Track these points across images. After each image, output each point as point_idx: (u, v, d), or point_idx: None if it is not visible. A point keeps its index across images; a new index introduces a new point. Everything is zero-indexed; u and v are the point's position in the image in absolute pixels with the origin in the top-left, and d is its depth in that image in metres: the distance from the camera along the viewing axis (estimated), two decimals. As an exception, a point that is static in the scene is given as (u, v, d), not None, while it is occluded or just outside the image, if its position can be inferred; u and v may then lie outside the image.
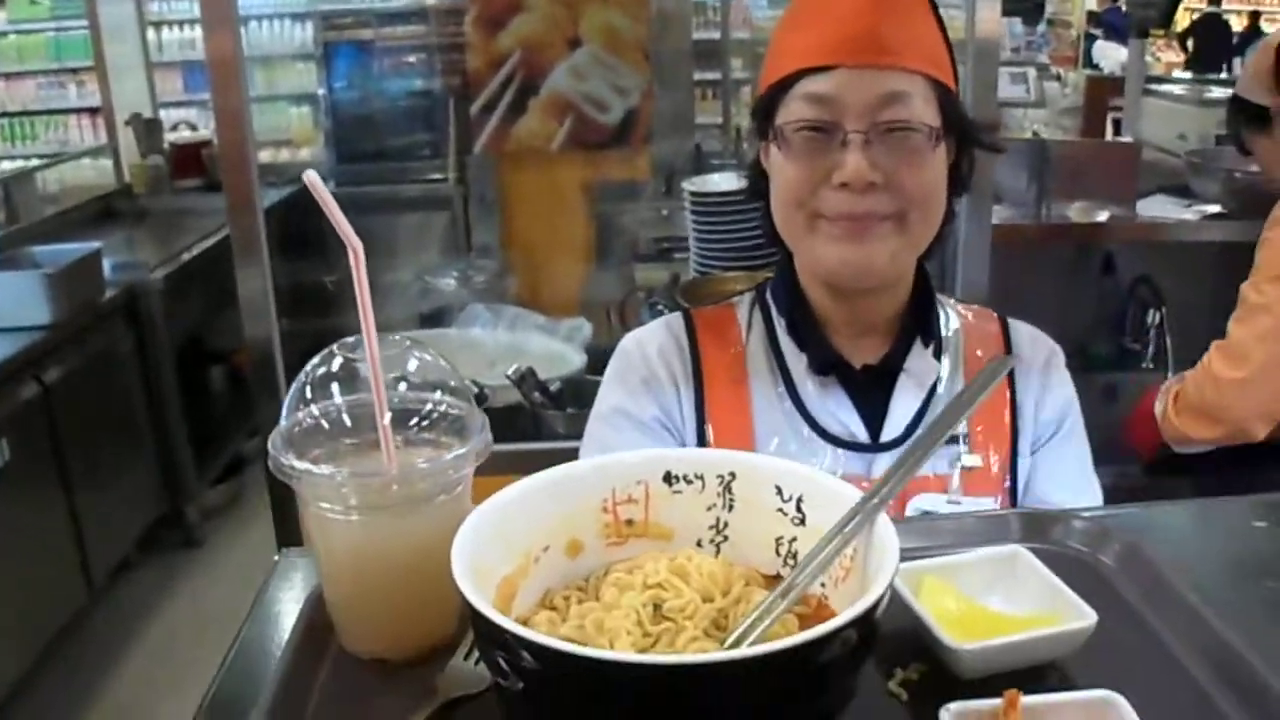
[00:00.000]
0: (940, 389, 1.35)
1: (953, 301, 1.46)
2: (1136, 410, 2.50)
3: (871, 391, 1.34)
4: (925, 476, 1.31)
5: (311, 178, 0.74)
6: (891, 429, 1.33)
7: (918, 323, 1.36)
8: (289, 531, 2.34)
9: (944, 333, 1.38)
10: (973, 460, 1.33)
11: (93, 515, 3.69)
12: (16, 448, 3.27)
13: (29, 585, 3.38)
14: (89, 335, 3.81)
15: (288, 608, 0.97)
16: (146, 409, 4.17)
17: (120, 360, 4.03)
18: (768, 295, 1.42)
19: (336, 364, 0.84)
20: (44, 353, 3.52)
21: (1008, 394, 1.37)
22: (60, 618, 3.58)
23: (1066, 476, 1.39)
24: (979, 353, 1.39)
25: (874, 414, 1.33)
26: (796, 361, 1.35)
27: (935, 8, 1.29)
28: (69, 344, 3.67)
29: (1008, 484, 1.35)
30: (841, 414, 1.33)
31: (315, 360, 0.85)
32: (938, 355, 1.36)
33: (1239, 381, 2.10)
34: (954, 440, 1.33)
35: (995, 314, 1.46)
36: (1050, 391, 1.40)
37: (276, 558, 1.06)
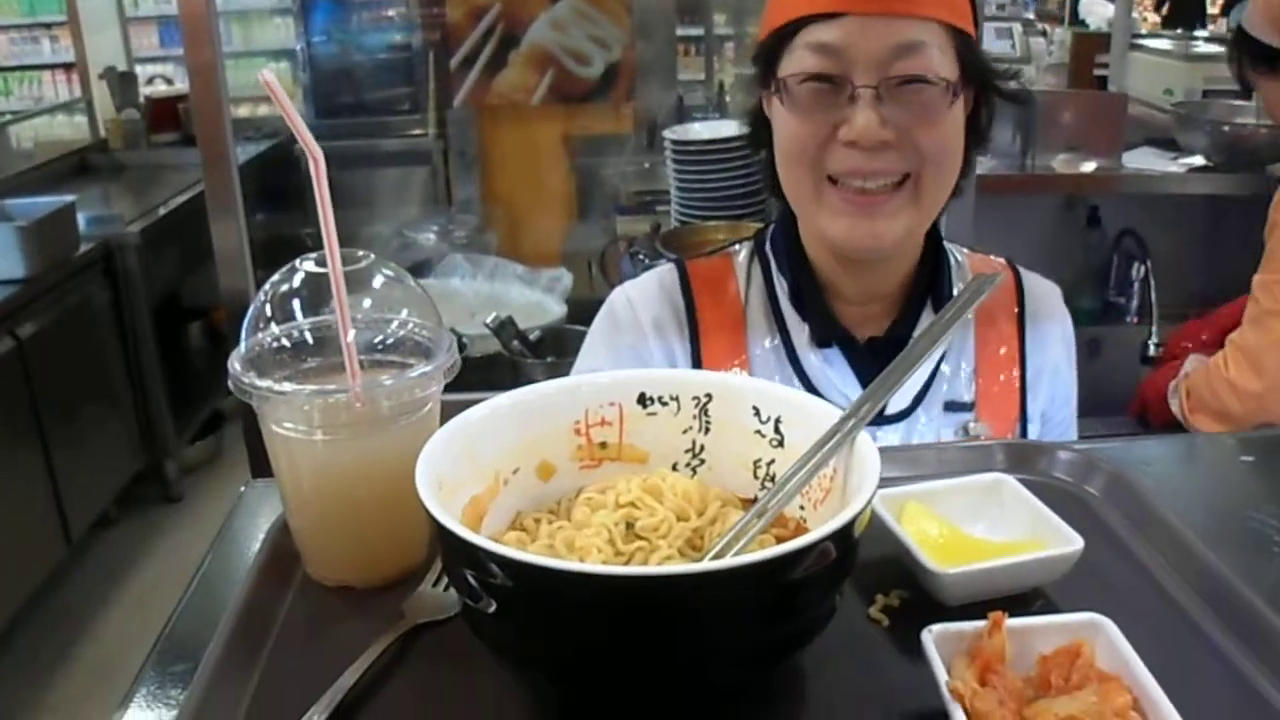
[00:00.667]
0: (949, 354, 1.30)
1: (962, 250, 1.38)
2: (1153, 377, 2.48)
3: (877, 363, 1.25)
4: (931, 443, 1.26)
5: (267, 77, 0.71)
6: (898, 401, 1.27)
7: (927, 288, 1.28)
8: (263, 471, 2.33)
9: (954, 282, 1.31)
10: (979, 429, 1.28)
11: (70, 471, 3.66)
12: (-9, 403, 3.24)
13: (6, 542, 3.35)
14: (64, 290, 3.76)
15: (252, 537, 0.94)
16: (124, 364, 4.13)
17: (96, 315, 3.98)
18: (767, 248, 1.34)
19: (298, 280, 0.81)
20: (18, 307, 3.47)
21: (1018, 352, 1.32)
22: (39, 574, 3.56)
23: (1066, 427, 1.37)
24: (990, 307, 1.33)
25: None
26: (798, 329, 1.29)
27: None
28: (44, 298, 3.62)
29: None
30: (844, 385, 1.27)
31: (276, 276, 0.82)
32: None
33: (1257, 394, 2.05)
34: (960, 407, 1.28)
35: (1006, 262, 1.39)
36: (1060, 350, 1.35)
37: (243, 488, 1.03)
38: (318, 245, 0.78)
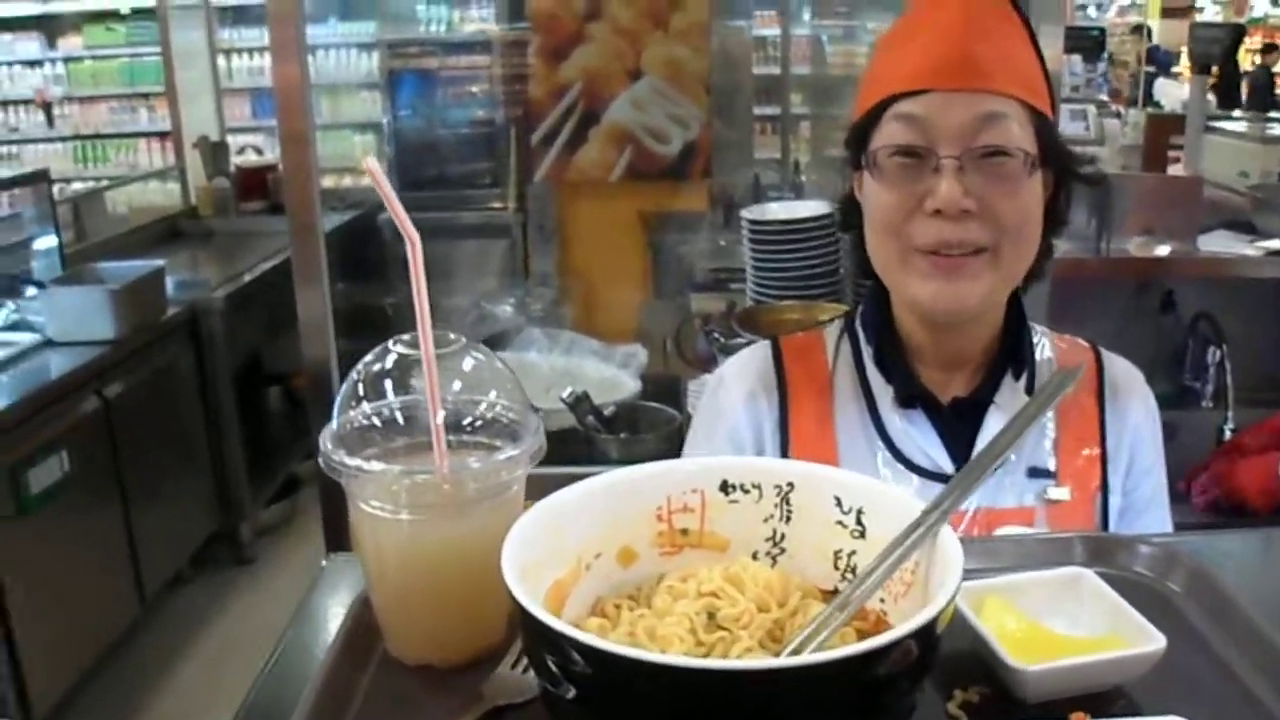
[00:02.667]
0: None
1: (1046, 330, 1.42)
2: (1247, 461, 2.45)
3: (959, 424, 1.31)
4: (1010, 508, 1.28)
5: (371, 164, 0.74)
6: None
7: (1010, 355, 1.32)
8: (339, 546, 2.36)
9: (1037, 364, 1.34)
10: (1059, 493, 1.30)
11: (148, 530, 3.73)
12: (76, 460, 3.32)
13: (83, 597, 3.42)
14: (150, 352, 3.86)
15: (333, 612, 0.96)
16: (204, 427, 4.22)
17: (180, 377, 4.08)
18: (857, 324, 1.38)
19: (390, 361, 0.83)
20: (106, 367, 3.57)
21: (1098, 426, 1.34)
22: (113, 630, 3.62)
23: (1154, 505, 1.37)
24: (1041, 386, 1.34)
25: (961, 447, 1.30)
26: (883, 392, 1.33)
27: (1033, 35, 1.25)
28: (131, 360, 3.73)
29: (1098, 520, 1.32)
30: (927, 446, 1.30)
31: (369, 357, 0.84)
32: (1029, 389, 1.32)
33: None
34: (1042, 474, 1.30)
35: (1089, 344, 1.42)
36: (1143, 425, 1.37)
37: (324, 562, 1.05)
38: (398, 315, 0.80)
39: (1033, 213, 1.22)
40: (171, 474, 4.01)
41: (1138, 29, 10.02)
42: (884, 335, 1.33)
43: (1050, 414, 1.32)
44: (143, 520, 3.70)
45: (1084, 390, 1.36)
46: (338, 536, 2.40)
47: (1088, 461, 1.33)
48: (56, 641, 3.24)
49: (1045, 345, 1.38)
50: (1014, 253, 1.21)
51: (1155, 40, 10.60)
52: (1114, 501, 1.33)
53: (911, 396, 1.31)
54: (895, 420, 1.31)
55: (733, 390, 1.39)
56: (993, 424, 1.30)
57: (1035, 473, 1.31)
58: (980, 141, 1.17)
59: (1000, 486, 1.30)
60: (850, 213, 1.33)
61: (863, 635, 0.74)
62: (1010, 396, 1.31)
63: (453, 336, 0.83)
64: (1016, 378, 1.32)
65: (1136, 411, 1.37)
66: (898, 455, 1.30)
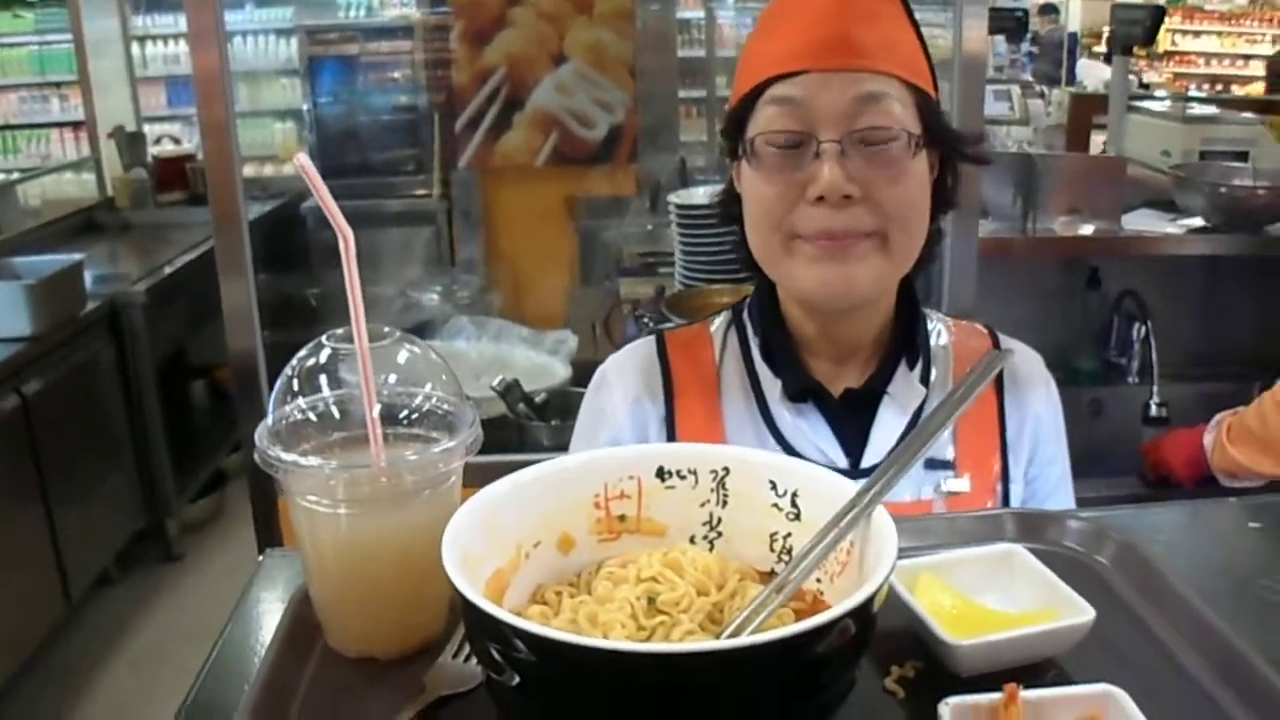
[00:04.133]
0: (927, 411, 1.28)
1: (940, 315, 1.40)
2: (1172, 435, 2.51)
3: (852, 417, 1.28)
4: (907, 501, 1.25)
5: (302, 160, 0.73)
6: (873, 454, 1.26)
7: (903, 344, 1.29)
8: (271, 543, 2.33)
9: (932, 351, 1.33)
10: (958, 484, 1.27)
11: (72, 529, 3.66)
12: (-5, 460, 3.24)
13: (7, 599, 3.35)
14: (70, 347, 3.78)
15: (272, 607, 0.95)
16: (127, 422, 4.15)
17: (101, 373, 4.00)
18: (744, 315, 1.36)
19: (324, 355, 0.83)
20: (24, 364, 3.50)
21: (996, 415, 1.32)
22: (39, 632, 3.55)
23: (1058, 492, 1.36)
24: (966, 363, 1.32)
25: (854, 440, 1.27)
26: (771, 386, 1.29)
27: (911, 15, 1.23)
28: (49, 356, 3.65)
29: (995, 509, 1.28)
30: (819, 440, 1.27)
31: (303, 352, 0.83)
32: (925, 378, 1.29)
33: None
34: (940, 465, 1.28)
35: (985, 328, 1.41)
36: (1044, 411, 1.35)
37: (261, 557, 1.04)
38: (322, 305, 0.80)
39: (919, 195, 1.19)
40: (95, 471, 3.94)
41: (1046, 9, 10.19)
42: (771, 327, 1.30)
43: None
44: (66, 519, 3.63)
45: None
46: (268, 531, 2.38)
47: (987, 451, 1.30)
48: (-20, 645, 3.18)
49: (941, 332, 1.36)
50: (902, 237, 1.18)
51: (1076, 22, 10.77)
52: (1015, 490, 1.31)
53: (802, 390, 1.28)
54: (785, 415, 1.28)
55: (615, 391, 1.35)
56: (887, 415, 1.27)
57: (933, 464, 1.28)
58: (861, 123, 1.14)
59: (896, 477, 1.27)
60: (730, 204, 1.29)
61: (800, 616, 0.75)
62: (905, 386, 1.28)
63: (386, 330, 0.83)
64: (910, 367, 1.29)
65: (1038, 399, 1.35)
66: (789, 450, 1.26)
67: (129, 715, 3.46)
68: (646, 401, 1.32)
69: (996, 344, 1.38)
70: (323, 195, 0.74)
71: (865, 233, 1.16)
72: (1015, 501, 1.31)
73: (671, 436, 1.31)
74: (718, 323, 1.38)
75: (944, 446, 1.29)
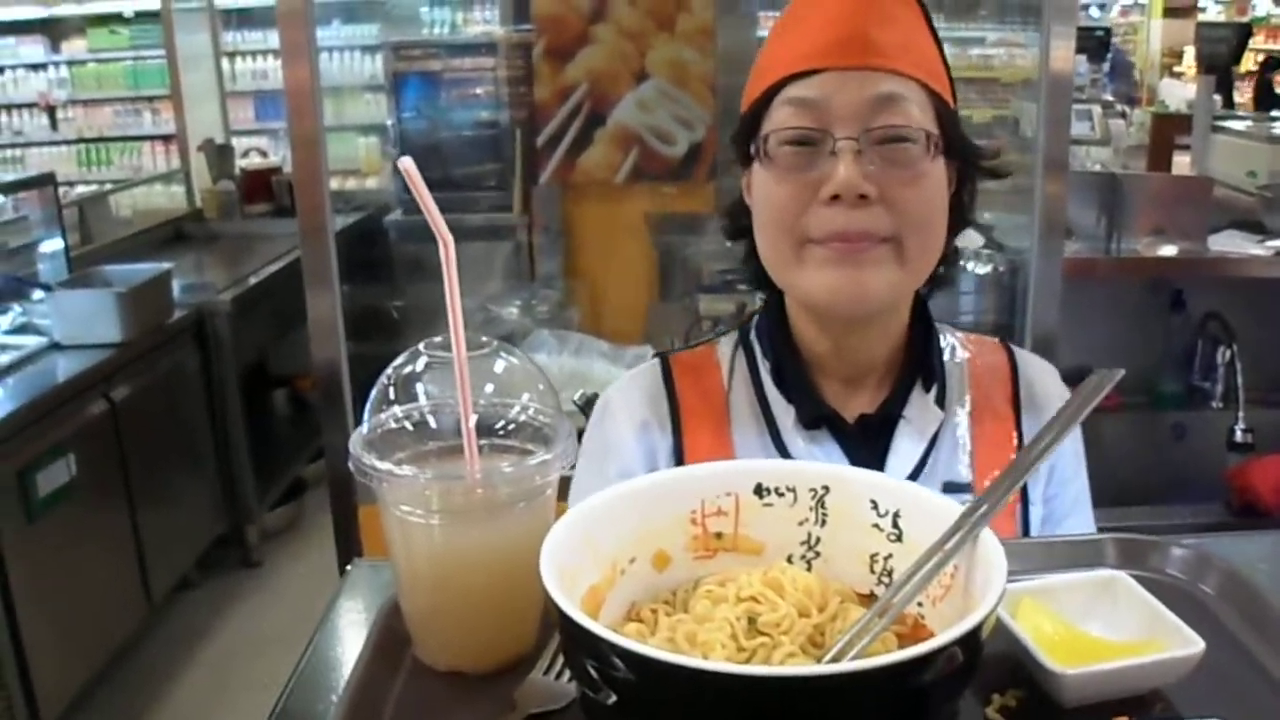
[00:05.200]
0: (944, 434, 1.24)
1: (953, 330, 1.34)
2: (1260, 461, 2.45)
3: (867, 444, 1.22)
4: (1040, 536, 1.21)
5: (407, 164, 0.73)
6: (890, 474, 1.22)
7: (917, 365, 1.24)
8: (350, 552, 2.35)
9: (947, 369, 1.27)
10: None
11: (155, 533, 3.73)
12: (83, 464, 3.31)
13: (91, 600, 3.42)
14: (157, 355, 3.86)
15: (358, 618, 0.95)
16: (210, 430, 4.22)
17: (186, 380, 4.08)
18: (752, 335, 1.29)
19: (421, 364, 0.83)
20: (113, 370, 3.57)
21: (1015, 434, 1.27)
22: (121, 634, 3.61)
23: (1075, 512, 1.31)
24: (986, 388, 1.28)
25: (870, 467, 1.16)
26: (784, 413, 1.24)
27: (930, 20, 1.19)
28: (137, 363, 3.72)
29: (1018, 533, 1.25)
30: None
31: (399, 360, 0.83)
32: (940, 399, 1.24)
33: None
34: (958, 489, 1.22)
35: (1000, 343, 1.35)
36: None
37: (350, 567, 1.04)
38: (404, 318, 0.80)
39: (937, 202, 1.14)
40: (178, 477, 4.01)
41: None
42: (782, 349, 1.24)
43: (965, 424, 1.25)
44: (150, 523, 3.70)
45: (998, 396, 1.29)
46: (347, 541, 2.40)
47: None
48: (64, 645, 3.24)
49: (955, 347, 1.31)
50: (918, 245, 1.13)
51: (1157, 41, 10.60)
52: (1035, 512, 1.26)
53: (815, 417, 1.22)
54: (799, 443, 1.22)
55: (620, 420, 1.28)
56: (903, 441, 1.22)
57: (950, 488, 1.21)
58: (878, 122, 1.09)
59: None
60: (738, 217, 1.24)
61: (902, 640, 0.73)
62: (921, 409, 1.23)
63: (484, 339, 0.82)
64: (926, 389, 1.23)
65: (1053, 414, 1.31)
66: None
67: (206, 717, 3.51)
68: (655, 431, 1.27)
69: (1013, 359, 1.33)
70: (425, 199, 0.74)
71: (881, 237, 1.11)
72: (1035, 524, 1.27)
73: (680, 464, 1.24)
74: (724, 344, 1.32)
75: (962, 469, 1.24)
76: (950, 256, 1.23)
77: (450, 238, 0.77)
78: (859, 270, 1.11)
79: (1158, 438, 3.02)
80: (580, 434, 2.31)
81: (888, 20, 1.13)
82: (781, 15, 1.22)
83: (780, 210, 1.13)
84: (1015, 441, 1.27)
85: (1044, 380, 1.32)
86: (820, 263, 1.12)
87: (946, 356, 1.28)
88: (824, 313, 1.19)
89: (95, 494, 3.44)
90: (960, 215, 1.22)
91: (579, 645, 0.65)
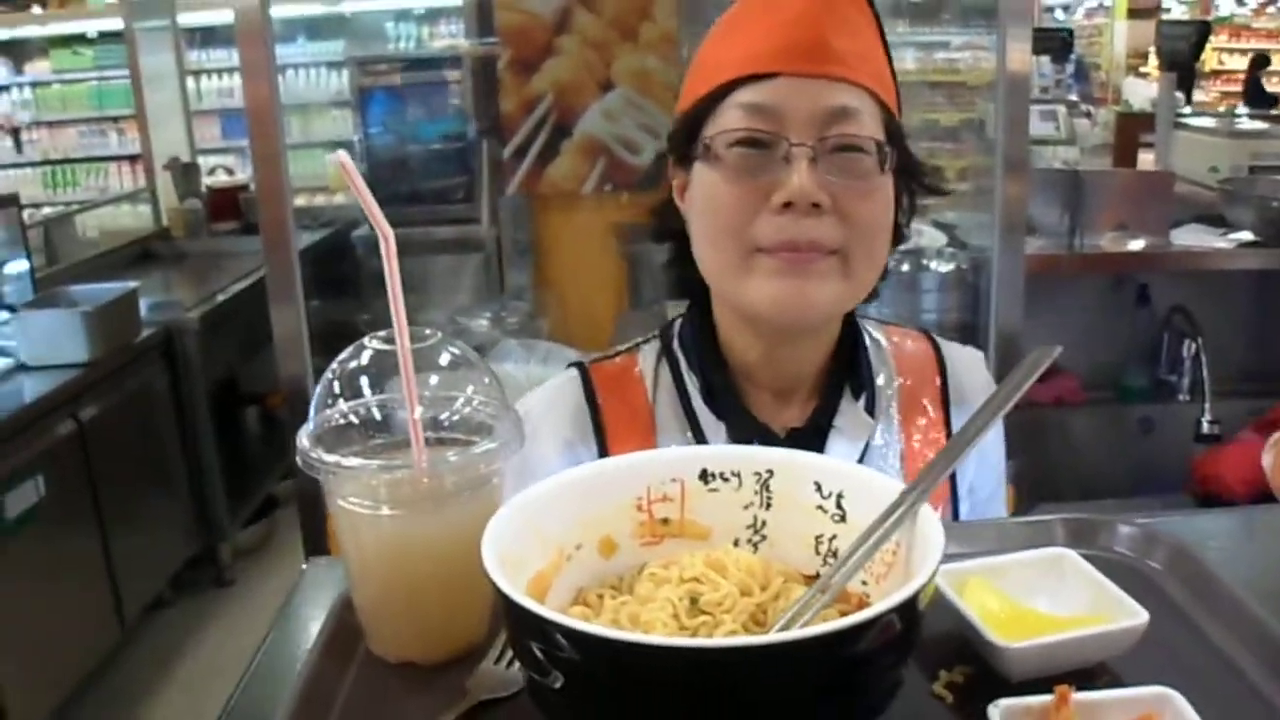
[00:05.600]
0: (876, 439, 1.22)
1: (876, 323, 1.33)
2: (1227, 451, 2.47)
3: None
4: (990, 519, 1.20)
5: (342, 158, 0.74)
6: None
7: (846, 374, 1.22)
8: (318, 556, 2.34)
9: (874, 368, 1.25)
10: None
11: (126, 553, 3.70)
12: (52, 485, 3.29)
13: (62, 622, 3.39)
14: (125, 374, 3.83)
15: (314, 614, 0.95)
16: (180, 448, 4.19)
17: (155, 399, 4.05)
18: (675, 345, 1.25)
19: (366, 357, 0.83)
20: (80, 390, 3.54)
21: (943, 425, 1.26)
22: (93, 655, 3.58)
23: (994, 500, 1.31)
24: (910, 381, 1.27)
25: None
26: (714, 429, 1.20)
27: (882, 31, 1.16)
28: (105, 382, 3.69)
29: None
30: None
31: (344, 354, 0.84)
32: (870, 408, 1.22)
33: None
34: None
35: (924, 333, 1.34)
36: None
37: (304, 566, 1.04)
38: (373, 331, 0.81)
39: (885, 216, 1.13)
40: (149, 496, 3.98)
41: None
42: (709, 361, 1.21)
43: (896, 424, 1.24)
44: (121, 543, 3.67)
45: (926, 388, 1.27)
46: (317, 549, 2.39)
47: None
48: (36, 667, 3.21)
49: (881, 344, 1.29)
50: (865, 259, 1.11)
51: (1121, 43, 10.72)
52: (963, 509, 1.26)
53: (747, 433, 1.18)
54: None
55: (543, 439, 1.22)
56: (835, 449, 1.19)
57: None
58: (833, 132, 1.07)
59: None
60: (667, 218, 1.20)
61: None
62: (851, 419, 1.21)
63: (429, 332, 0.83)
64: (856, 397, 1.22)
65: (980, 404, 1.30)
66: None
67: (182, 738, 3.49)
68: (580, 448, 1.22)
69: (939, 352, 1.31)
70: (362, 192, 0.74)
71: (829, 249, 1.09)
72: (964, 516, 1.26)
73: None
74: (646, 354, 1.28)
75: (893, 472, 1.22)
76: (885, 271, 1.19)
77: (390, 232, 0.77)
78: (805, 281, 1.09)
79: (1125, 431, 3.04)
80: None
81: (846, 27, 1.10)
82: (730, 10, 1.17)
83: (728, 215, 1.10)
84: (944, 430, 1.26)
85: (972, 374, 1.31)
86: (767, 273, 1.09)
87: (873, 353, 1.26)
88: (764, 323, 1.15)
89: (65, 515, 3.41)
90: (899, 231, 1.20)
91: (522, 627, 0.65)
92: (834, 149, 1.08)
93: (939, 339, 1.33)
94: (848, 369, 1.22)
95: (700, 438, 1.21)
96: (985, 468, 1.30)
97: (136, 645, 3.92)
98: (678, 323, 1.28)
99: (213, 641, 3.99)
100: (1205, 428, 2.84)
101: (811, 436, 1.20)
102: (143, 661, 3.86)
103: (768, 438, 1.19)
